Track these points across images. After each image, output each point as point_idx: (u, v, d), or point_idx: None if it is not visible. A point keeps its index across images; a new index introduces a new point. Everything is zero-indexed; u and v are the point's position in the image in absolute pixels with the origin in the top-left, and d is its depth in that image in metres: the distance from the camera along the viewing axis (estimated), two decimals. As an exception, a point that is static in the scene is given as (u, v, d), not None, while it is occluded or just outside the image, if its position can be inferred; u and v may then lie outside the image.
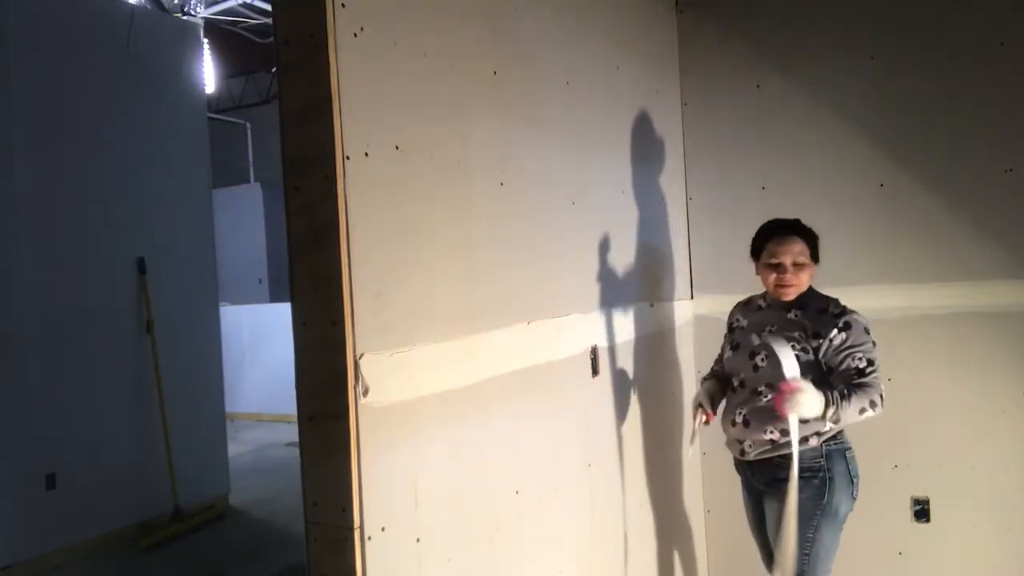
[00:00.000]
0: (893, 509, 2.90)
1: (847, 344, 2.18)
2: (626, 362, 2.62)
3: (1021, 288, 2.70)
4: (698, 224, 3.18)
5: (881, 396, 2.11)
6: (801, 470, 2.17)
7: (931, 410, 2.84)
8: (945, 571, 2.84)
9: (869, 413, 2.09)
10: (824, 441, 2.23)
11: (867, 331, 2.20)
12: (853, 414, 2.08)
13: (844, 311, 2.23)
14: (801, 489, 2.18)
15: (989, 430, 2.77)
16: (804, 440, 2.20)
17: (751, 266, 3.11)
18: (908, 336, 2.85)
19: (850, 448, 2.29)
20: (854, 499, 2.28)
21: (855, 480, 2.27)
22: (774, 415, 2.17)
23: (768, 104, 3.03)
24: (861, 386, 2.12)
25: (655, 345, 2.86)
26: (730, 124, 3.11)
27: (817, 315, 2.25)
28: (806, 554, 2.24)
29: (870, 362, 2.16)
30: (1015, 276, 2.70)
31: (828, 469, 2.22)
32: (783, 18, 3.01)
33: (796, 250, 2.27)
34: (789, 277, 2.27)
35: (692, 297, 3.17)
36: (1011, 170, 2.69)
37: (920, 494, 2.87)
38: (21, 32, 4.15)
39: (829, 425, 2.14)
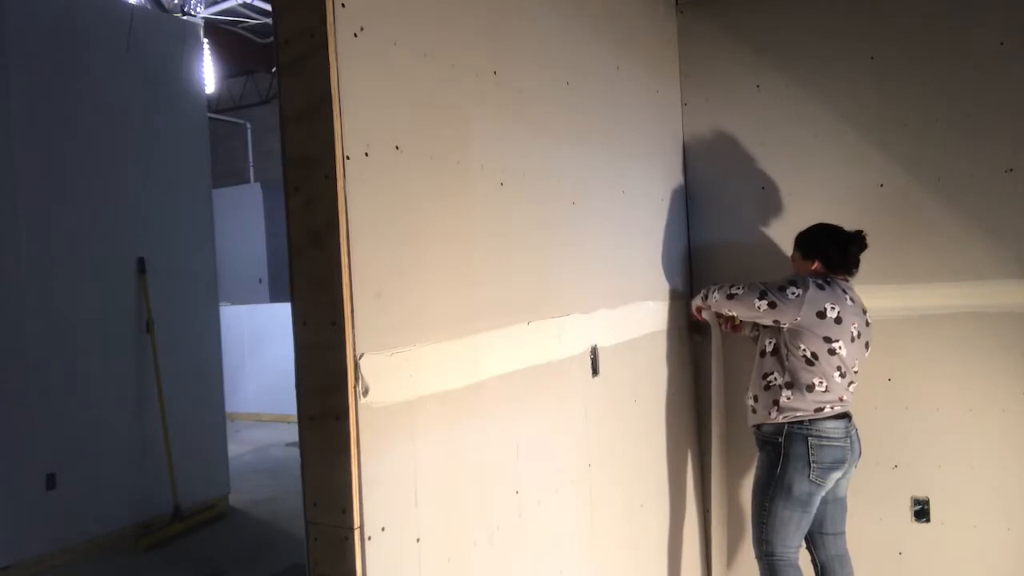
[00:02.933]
0: (893, 509, 2.90)
1: None
2: (626, 362, 2.62)
3: (1021, 288, 2.70)
4: (698, 224, 3.18)
5: (730, 288, 2.64)
6: (765, 442, 2.56)
7: (931, 410, 2.84)
8: (945, 571, 2.84)
9: (716, 294, 2.70)
10: (788, 422, 2.48)
11: (793, 283, 2.48)
12: (723, 298, 2.66)
13: (799, 276, 2.58)
14: (764, 458, 2.56)
15: (989, 430, 2.77)
16: (768, 413, 2.53)
17: (750, 265, 3.13)
18: (908, 336, 2.85)
19: (824, 438, 2.44)
20: (814, 483, 2.44)
21: (815, 465, 2.43)
22: (753, 381, 2.64)
23: (768, 104, 3.03)
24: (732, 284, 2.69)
25: (655, 344, 2.86)
26: (730, 124, 3.11)
27: None
28: (764, 523, 2.50)
29: (759, 282, 2.58)
30: (1015, 276, 2.70)
31: (784, 446, 2.48)
32: (783, 18, 3.01)
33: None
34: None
35: (692, 296, 3.17)
36: (1011, 170, 2.69)
37: (920, 494, 2.87)
38: (21, 32, 4.14)
39: (710, 303, 2.74)
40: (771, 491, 2.48)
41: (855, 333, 2.48)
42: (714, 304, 2.71)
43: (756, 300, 2.51)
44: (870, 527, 2.90)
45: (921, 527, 2.87)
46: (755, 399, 2.60)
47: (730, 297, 2.61)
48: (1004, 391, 2.74)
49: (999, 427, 2.76)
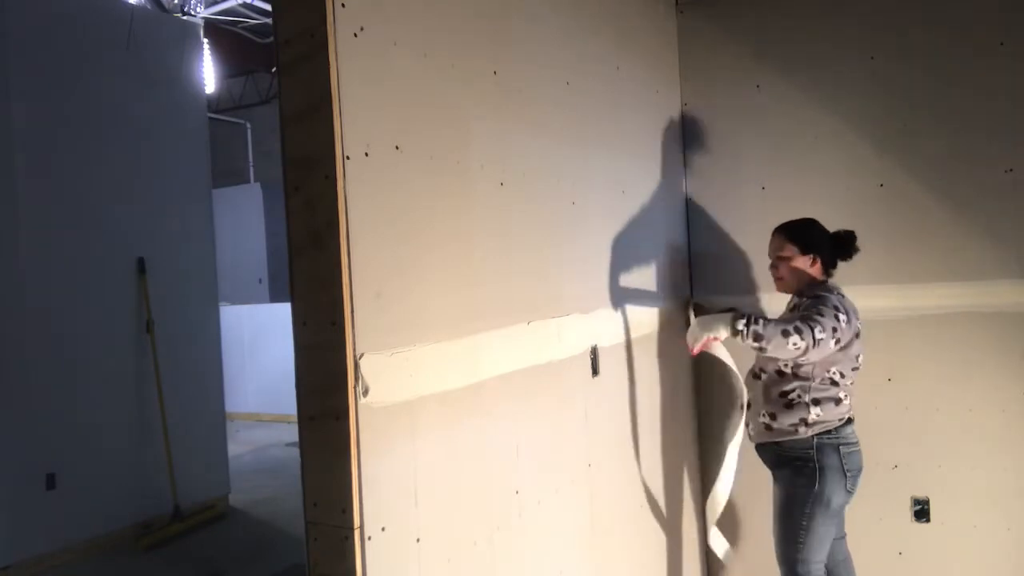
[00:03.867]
0: (893, 509, 2.90)
1: (805, 306, 2.34)
2: (626, 362, 2.62)
3: (1021, 288, 2.70)
4: (698, 224, 3.18)
5: (810, 330, 2.16)
6: (793, 459, 2.40)
7: (931, 410, 2.84)
8: (945, 571, 2.84)
9: (795, 339, 2.14)
10: (816, 434, 2.36)
11: (836, 307, 2.27)
12: (775, 334, 2.15)
13: (828, 294, 2.34)
14: (795, 475, 2.39)
15: (989, 430, 2.77)
16: (794, 430, 2.37)
17: (750, 266, 3.12)
18: (908, 336, 2.85)
19: (850, 444, 2.39)
20: (849, 492, 2.38)
21: (849, 474, 2.36)
22: (765, 398, 2.43)
23: (768, 104, 3.03)
24: (791, 321, 2.22)
25: (655, 344, 2.85)
26: (730, 124, 3.11)
27: (809, 301, 2.36)
28: (800, 542, 2.36)
29: (815, 315, 2.22)
30: (1015, 276, 2.70)
31: (818, 460, 2.36)
32: (783, 19, 3.01)
33: (773, 246, 2.50)
34: (773, 271, 2.52)
35: (692, 296, 3.17)
36: (1011, 170, 2.69)
37: (920, 494, 2.87)
38: (21, 32, 4.14)
39: (749, 341, 2.18)
40: (809, 508, 2.34)
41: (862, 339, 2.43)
42: (773, 348, 2.18)
43: (831, 342, 2.22)
44: (870, 527, 2.90)
45: (921, 527, 2.87)
46: (771, 416, 2.41)
47: (817, 343, 2.17)
48: (1004, 391, 2.74)
49: (999, 427, 2.76)
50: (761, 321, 2.20)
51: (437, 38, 1.76)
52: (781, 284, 2.50)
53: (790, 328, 2.17)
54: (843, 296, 2.39)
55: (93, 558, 4.29)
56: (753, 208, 3.06)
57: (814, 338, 2.17)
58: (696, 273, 3.19)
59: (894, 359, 2.86)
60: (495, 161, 1.95)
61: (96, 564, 4.23)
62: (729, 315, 2.25)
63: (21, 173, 4.12)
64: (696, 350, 2.36)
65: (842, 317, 2.26)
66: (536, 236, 2.12)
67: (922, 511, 2.86)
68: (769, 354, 2.24)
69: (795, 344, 2.15)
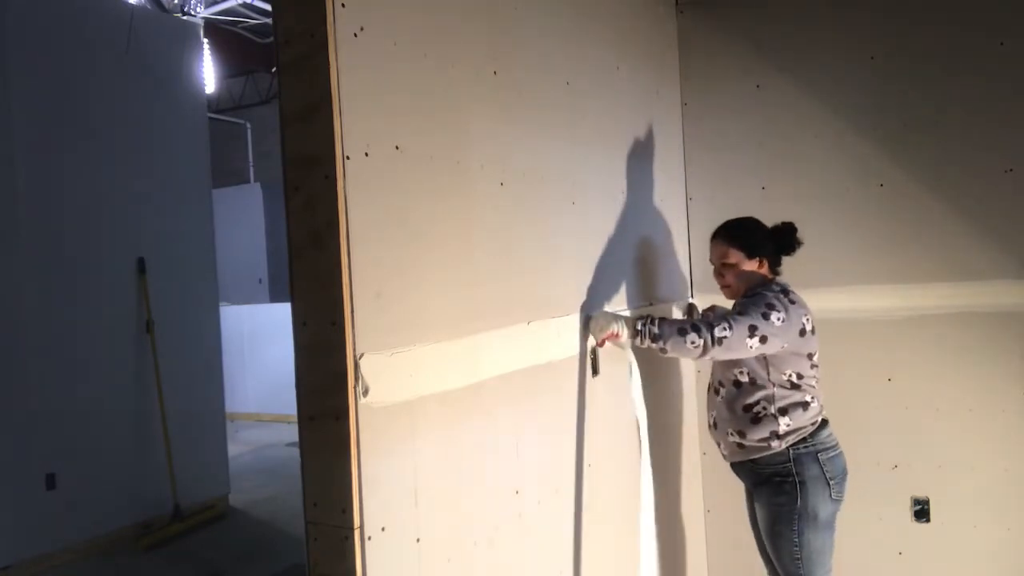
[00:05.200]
0: (893, 509, 2.90)
1: (735, 307, 2.26)
2: (627, 362, 2.61)
3: (1021, 288, 2.70)
4: (698, 224, 3.18)
5: (708, 328, 2.08)
6: (771, 475, 2.28)
7: (931, 410, 2.84)
8: (945, 571, 2.84)
9: (692, 336, 2.08)
10: (791, 445, 2.25)
11: (770, 306, 2.16)
12: (671, 333, 2.10)
13: (765, 292, 2.24)
14: (775, 494, 2.27)
15: (989, 430, 2.77)
16: (767, 445, 2.26)
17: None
18: (908, 336, 2.85)
19: (828, 448, 2.28)
20: (834, 500, 2.27)
21: (832, 481, 2.25)
22: (730, 414, 2.32)
23: (768, 104, 3.03)
24: (697, 320, 2.16)
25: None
26: (730, 124, 3.11)
27: (742, 302, 2.28)
28: (797, 558, 2.27)
29: (736, 314, 2.15)
30: (1015, 276, 2.70)
31: (797, 473, 2.24)
32: (783, 18, 3.01)
33: (717, 253, 2.39)
34: (719, 278, 2.40)
35: (692, 297, 3.17)
36: (1011, 170, 2.69)
37: (920, 494, 2.87)
38: (21, 32, 4.15)
39: (648, 343, 2.13)
40: (796, 525, 2.24)
41: (816, 334, 2.31)
42: (672, 348, 2.12)
43: (748, 340, 2.12)
44: (870, 527, 2.90)
45: (921, 527, 2.87)
46: (740, 434, 2.30)
47: (719, 342, 2.08)
48: (1004, 391, 2.74)
49: (999, 427, 2.76)
50: (658, 320, 2.14)
51: (437, 38, 1.76)
52: (729, 292, 2.40)
53: (687, 326, 2.10)
54: (787, 293, 2.26)
55: (93, 558, 4.29)
56: (753, 208, 3.03)
57: (713, 336, 2.08)
58: (696, 273, 3.19)
59: (894, 359, 2.86)
60: (495, 161, 1.95)
61: (96, 564, 4.23)
62: (634, 317, 2.20)
63: (21, 173, 4.12)
64: (600, 340, 2.26)
65: (774, 315, 2.15)
66: (536, 236, 2.12)
67: (922, 511, 2.86)
68: (671, 354, 2.17)
69: (692, 342, 2.08)
